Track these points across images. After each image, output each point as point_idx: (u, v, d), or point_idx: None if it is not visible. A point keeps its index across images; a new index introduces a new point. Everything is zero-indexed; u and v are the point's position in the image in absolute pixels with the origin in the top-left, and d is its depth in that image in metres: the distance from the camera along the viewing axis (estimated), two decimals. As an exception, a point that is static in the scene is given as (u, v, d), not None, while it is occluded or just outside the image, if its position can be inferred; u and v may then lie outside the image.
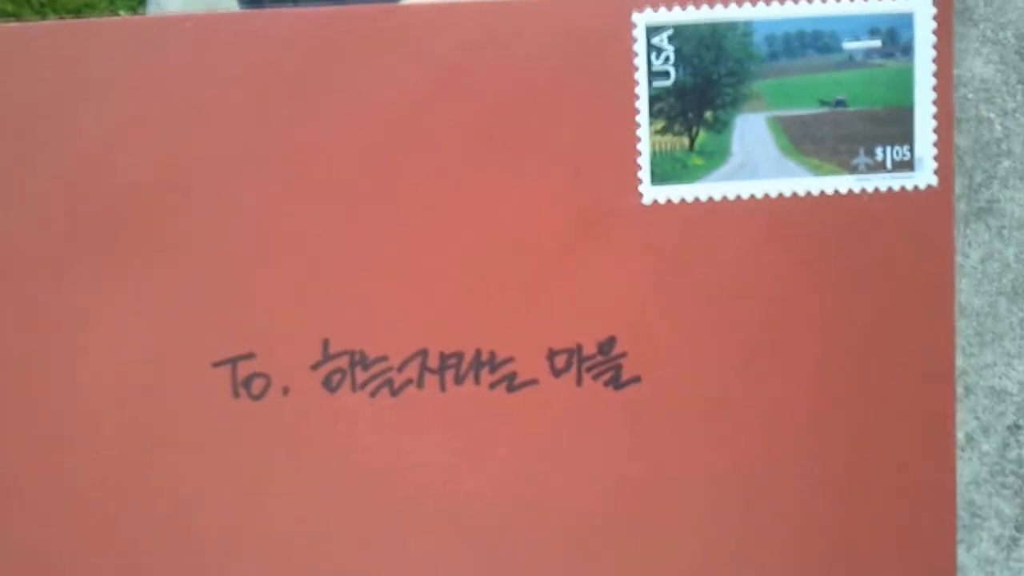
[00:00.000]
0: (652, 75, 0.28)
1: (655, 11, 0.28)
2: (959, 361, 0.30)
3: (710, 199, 0.29)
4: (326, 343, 0.29)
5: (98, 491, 0.29)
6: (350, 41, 0.28)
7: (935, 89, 0.28)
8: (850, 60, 0.28)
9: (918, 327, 0.29)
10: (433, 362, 0.29)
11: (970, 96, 0.32)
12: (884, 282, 0.29)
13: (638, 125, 0.28)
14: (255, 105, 0.28)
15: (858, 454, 0.29)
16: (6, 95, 0.28)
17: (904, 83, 0.28)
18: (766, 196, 0.29)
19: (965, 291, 0.32)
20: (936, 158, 0.29)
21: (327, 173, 0.28)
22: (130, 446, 0.29)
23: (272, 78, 0.28)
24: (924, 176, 0.29)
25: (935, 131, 0.28)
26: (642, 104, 0.28)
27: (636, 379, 0.29)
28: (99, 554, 0.29)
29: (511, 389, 0.29)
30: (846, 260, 0.29)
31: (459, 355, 0.29)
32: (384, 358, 0.29)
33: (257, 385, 0.29)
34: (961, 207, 0.32)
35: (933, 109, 0.28)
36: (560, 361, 0.29)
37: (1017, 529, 0.32)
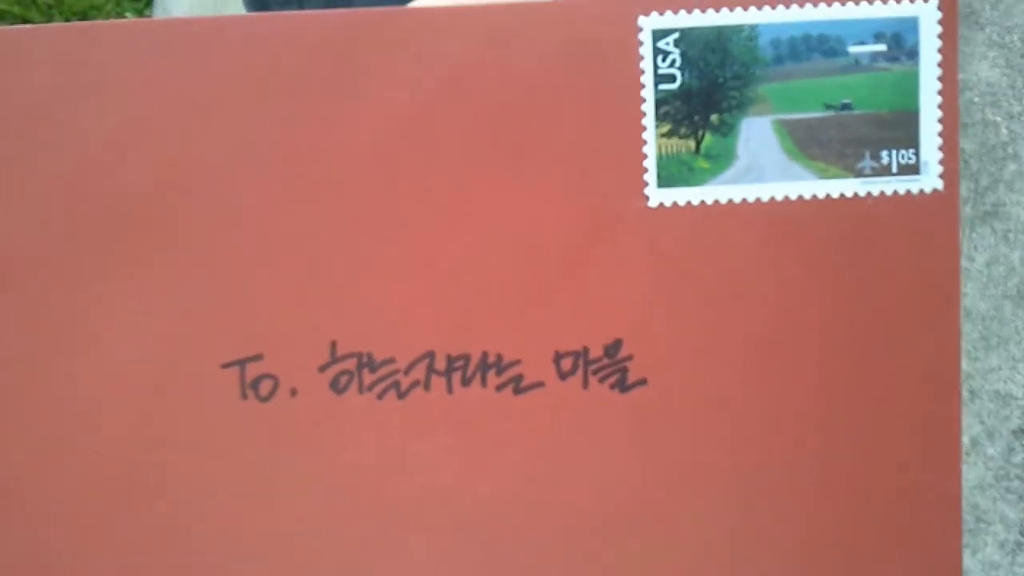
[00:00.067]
0: (658, 78, 0.28)
1: (661, 15, 0.28)
2: (964, 365, 0.30)
3: (716, 202, 0.29)
4: (334, 345, 0.29)
5: (105, 492, 0.29)
6: (357, 44, 0.28)
7: (940, 93, 0.28)
8: (856, 64, 0.28)
9: (924, 330, 0.29)
10: (440, 364, 0.29)
11: (976, 100, 0.32)
12: (890, 285, 0.29)
13: (644, 128, 0.28)
14: (263, 107, 0.28)
15: (863, 458, 0.29)
16: (14, 97, 0.28)
17: (910, 87, 0.28)
18: (772, 199, 0.29)
19: (970, 295, 0.32)
20: (942, 162, 0.29)
21: (334, 175, 0.29)
22: (137, 447, 0.29)
23: (278, 80, 0.28)
24: (930, 180, 0.29)
25: (941, 135, 0.29)
26: (648, 107, 0.28)
27: (642, 381, 0.29)
28: (104, 555, 0.29)
29: (518, 391, 0.29)
30: (852, 263, 0.29)
31: (466, 357, 0.29)
32: (391, 360, 0.29)
33: (265, 386, 0.29)
34: (967, 211, 0.32)
35: (939, 113, 0.28)
36: (566, 364, 0.29)
37: (1022, 534, 0.32)
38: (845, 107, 0.29)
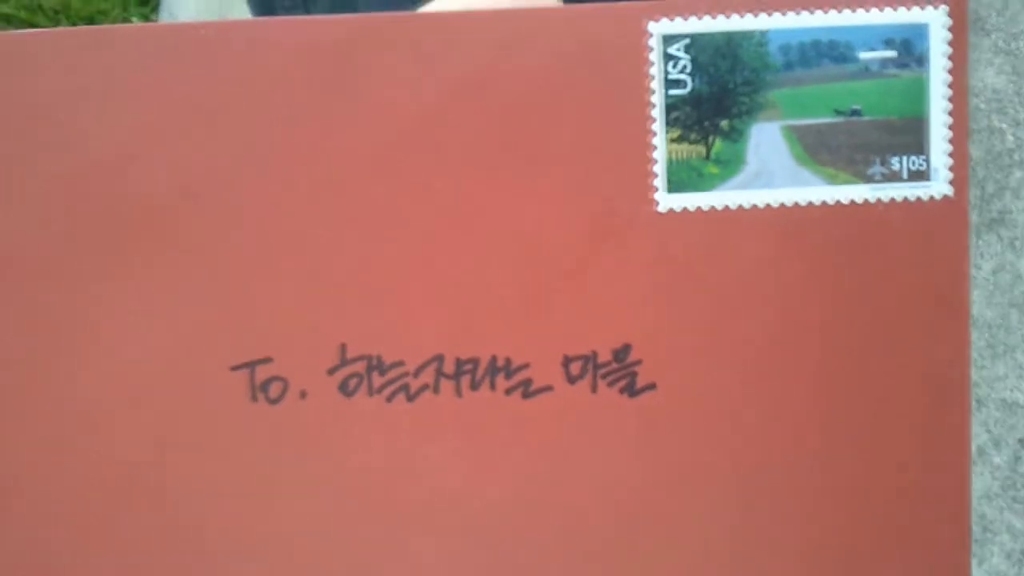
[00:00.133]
0: (668, 84, 0.28)
1: (671, 20, 0.28)
2: (971, 373, 0.30)
3: (726, 207, 0.29)
4: (343, 348, 0.29)
5: (113, 493, 0.29)
6: (366, 49, 0.28)
7: (950, 100, 0.28)
8: (865, 70, 0.29)
9: (933, 336, 0.29)
10: (449, 368, 0.29)
11: (982, 107, 0.32)
12: (899, 291, 0.29)
13: (654, 134, 0.29)
14: (270, 111, 0.28)
15: (871, 463, 0.29)
16: (22, 100, 0.28)
17: (919, 93, 0.28)
18: (781, 205, 0.29)
19: (977, 303, 0.32)
20: (951, 168, 0.29)
21: (343, 179, 0.29)
22: (147, 448, 0.29)
23: (286, 85, 0.28)
24: (939, 186, 0.29)
25: (950, 141, 0.29)
26: (658, 113, 0.28)
27: (651, 386, 0.29)
28: (112, 557, 0.29)
29: (526, 395, 0.29)
30: (861, 269, 0.29)
31: (475, 361, 0.29)
32: (401, 363, 0.29)
33: (275, 389, 0.29)
34: (973, 218, 0.32)
35: (948, 119, 0.28)
36: (575, 368, 0.29)
37: (1029, 542, 0.32)
38: (855, 113, 0.29)
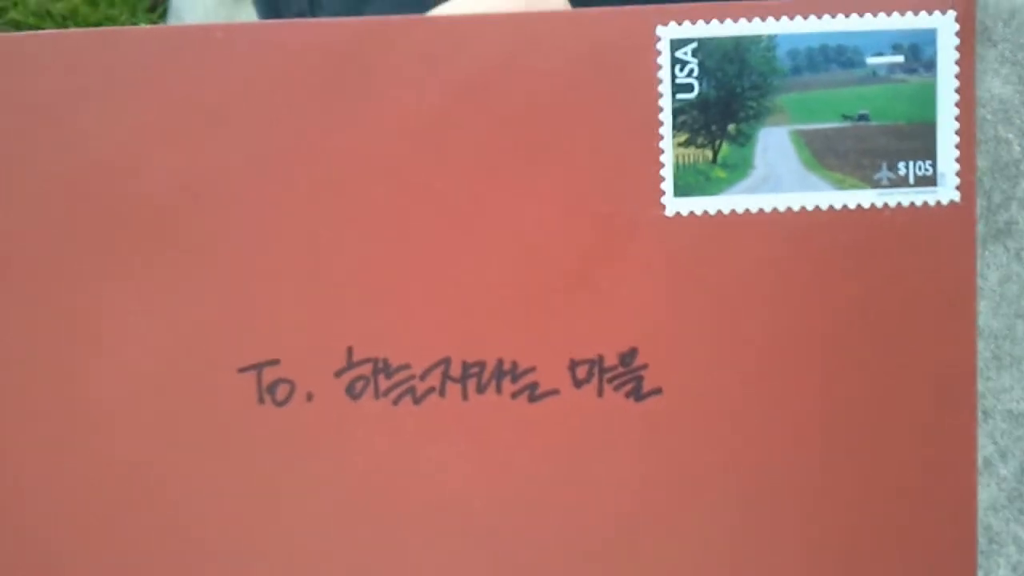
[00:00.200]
0: (676, 88, 0.28)
1: (679, 25, 0.28)
2: (977, 385, 0.30)
3: (733, 212, 0.29)
4: (350, 350, 0.29)
5: (118, 495, 0.29)
6: (375, 52, 0.28)
7: (958, 105, 0.28)
8: (873, 75, 0.29)
9: (940, 340, 0.29)
10: (455, 371, 0.29)
11: (989, 117, 0.32)
12: (906, 296, 0.29)
13: (661, 137, 0.29)
14: (279, 113, 0.29)
15: (877, 470, 0.29)
16: (30, 102, 0.28)
17: (927, 99, 0.28)
18: (788, 209, 0.29)
19: (983, 313, 0.32)
20: (959, 174, 0.29)
21: (351, 182, 0.29)
22: (154, 450, 0.29)
23: (295, 87, 0.29)
24: (947, 192, 0.29)
25: (958, 147, 0.29)
26: (666, 116, 0.29)
27: (657, 391, 0.29)
28: (117, 558, 0.29)
29: (533, 399, 0.29)
30: (869, 274, 0.29)
31: (481, 364, 0.29)
32: (407, 366, 0.29)
33: (282, 391, 0.29)
34: (979, 228, 0.32)
35: (956, 125, 0.28)
36: (582, 372, 0.29)
37: (1035, 554, 0.32)
38: (862, 118, 0.29)
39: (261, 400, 0.29)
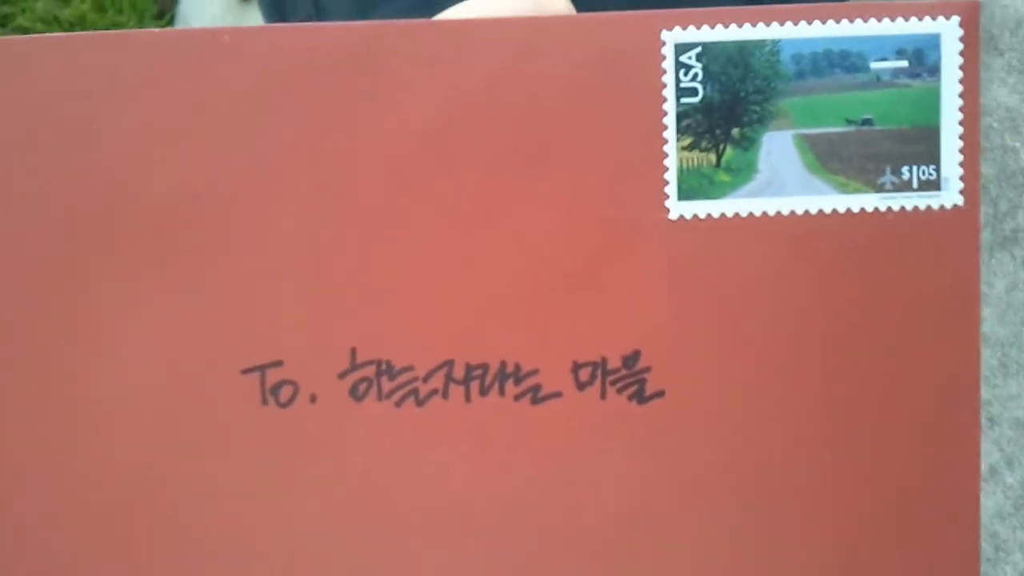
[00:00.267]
0: (680, 92, 0.29)
1: (684, 29, 0.28)
2: (983, 392, 0.30)
3: (736, 215, 0.29)
4: (354, 352, 0.29)
5: (120, 496, 0.29)
6: (381, 56, 0.29)
7: (961, 110, 0.29)
8: (877, 80, 0.29)
9: (944, 343, 0.29)
10: (458, 373, 0.29)
11: (995, 125, 0.32)
12: (909, 300, 0.29)
13: (666, 141, 0.29)
14: (285, 116, 0.29)
15: (880, 475, 0.29)
16: (37, 105, 0.29)
17: (931, 103, 0.29)
18: (792, 213, 0.29)
19: (989, 320, 0.32)
20: (962, 178, 0.29)
21: (355, 184, 0.29)
22: (156, 451, 0.29)
23: (299, 91, 0.29)
24: (950, 196, 0.29)
25: (961, 151, 0.29)
26: (670, 120, 0.29)
27: (660, 393, 0.29)
28: (118, 560, 0.29)
29: (535, 401, 0.29)
30: (871, 278, 0.29)
31: (484, 366, 0.29)
32: (410, 368, 0.29)
33: (285, 392, 0.29)
34: (986, 236, 0.32)
35: (959, 129, 0.29)
36: (584, 374, 0.29)
37: (1041, 561, 0.32)
38: (866, 122, 0.29)
39: (264, 401, 0.29)
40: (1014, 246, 0.31)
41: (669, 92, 0.29)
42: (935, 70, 0.29)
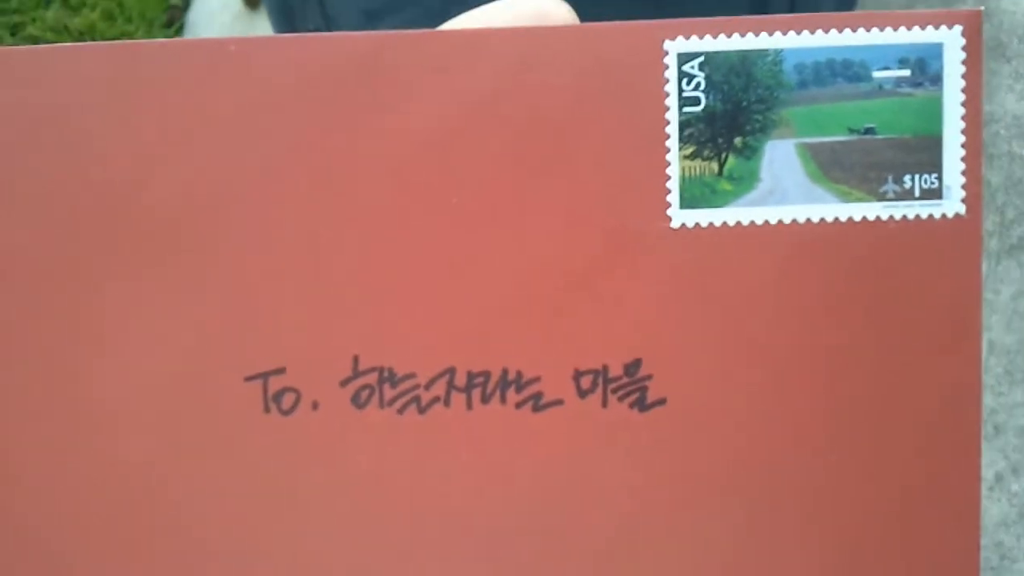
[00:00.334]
0: (682, 101, 0.29)
1: (686, 39, 0.29)
2: (988, 400, 0.30)
3: (738, 224, 0.29)
4: (356, 359, 0.29)
5: (123, 503, 0.29)
6: (387, 66, 0.29)
7: (964, 119, 0.29)
8: (879, 89, 0.29)
9: (946, 352, 0.29)
10: (460, 381, 0.29)
11: (1002, 132, 0.32)
12: (911, 309, 0.29)
13: (668, 150, 0.29)
14: (291, 124, 0.29)
15: (881, 482, 0.29)
16: (45, 114, 0.29)
17: (933, 112, 0.29)
18: (794, 221, 0.29)
19: (995, 328, 0.31)
20: (965, 187, 0.29)
21: (359, 193, 0.29)
22: (160, 459, 0.29)
23: (306, 100, 0.29)
24: (952, 205, 0.29)
25: (964, 160, 0.29)
26: (672, 129, 0.29)
27: (661, 401, 0.29)
28: (118, 566, 0.29)
29: (537, 409, 0.29)
30: (873, 286, 0.29)
31: (486, 374, 0.29)
32: (412, 375, 0.29)
33: (287, 400, 0.29)
34: (992, 244, 0.32)
35: (962, 139, 0.29)
36: (586, 382, 0.29)
37: (1046, 567, 0.32)
38: (868, 131, 0.29)
39: (267, 409, 0.29)
40: (1021, 253, 0.31)
41: (671, 101, 0.29)
42: (937, 79, 0.29)
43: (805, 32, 0.28)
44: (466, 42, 0.29)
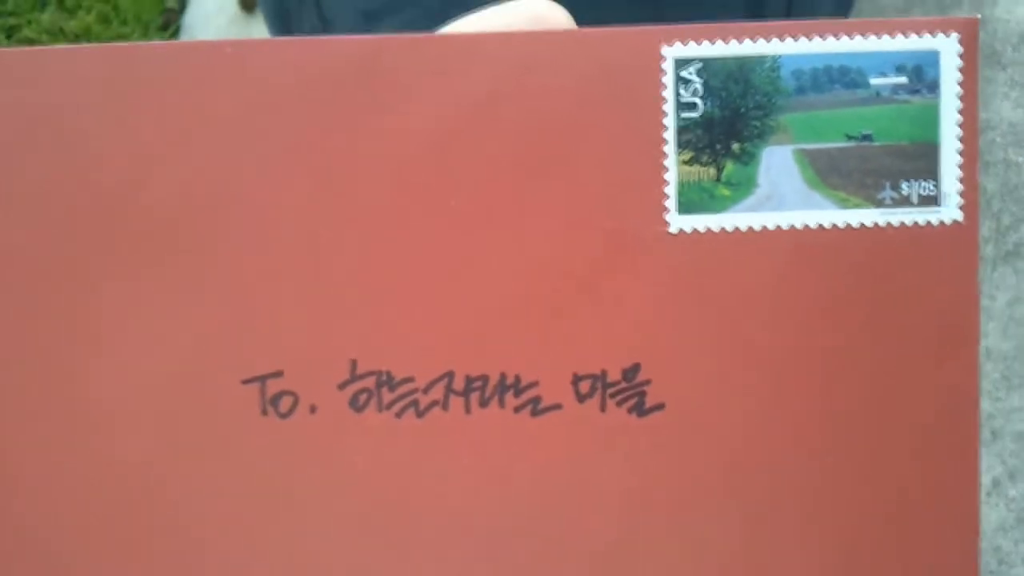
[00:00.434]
0: (680, 107, 0.29)
1: (684, 45, 0.29)
2: (986, 405, 0.30)
3: (736, 229, 0.29)
4: (354, 363, 0.29)
5: (121, 507, 0.29)
6: (386, 69, 0.29)
7: (960, 126, 0.29)
8: (877, 96, 0.29)
9: (943, 358, 0.29)
10: (459, 384, 0.29)
11: (998, 139, 0.32)
12: (908, 315, 0.29)
13: (666, 155, 0.29)
14: (289, 127, 0.29)
15: (879, 487, 0.29)
16: (42, 115, 0.29)
17: (930, 119, 0.29)
18: (792, 227, 0.29)
19: (992, 335, 0.32)
20: (962, 194, 0.29)
21: (358, 196, 0.29)
22: (157, 462, 0.29)
23: (304, 103, 0.29)
24: (949, 211, 0.29)
25: (960, 167, 0.29)
26: (670, 135, 0.29)
27: (660, 406, 0.29)
28: (116, 568, 0.29)
29: (535, 413, 0.29)
30: (871, 292, 0.29)
31: (484, 378, 0.29)
32: (410, 379, 0.29)
33: (285, 403, 0.29)
34: (988, 250, 0.32)
35: (958, 145, 0.29)
36: (584, 386, 0.29)
37: (1042, 573, 0.32)
38: (866, 138, 0.29)
39: (264, 412, 0.29)
40: (1017, 260, 0.32)
41: (669, 107, 0.29)
42: (934, 86, 0.29)
43: (802, 38, 0.29)
44: (465, 46, 0.29)
